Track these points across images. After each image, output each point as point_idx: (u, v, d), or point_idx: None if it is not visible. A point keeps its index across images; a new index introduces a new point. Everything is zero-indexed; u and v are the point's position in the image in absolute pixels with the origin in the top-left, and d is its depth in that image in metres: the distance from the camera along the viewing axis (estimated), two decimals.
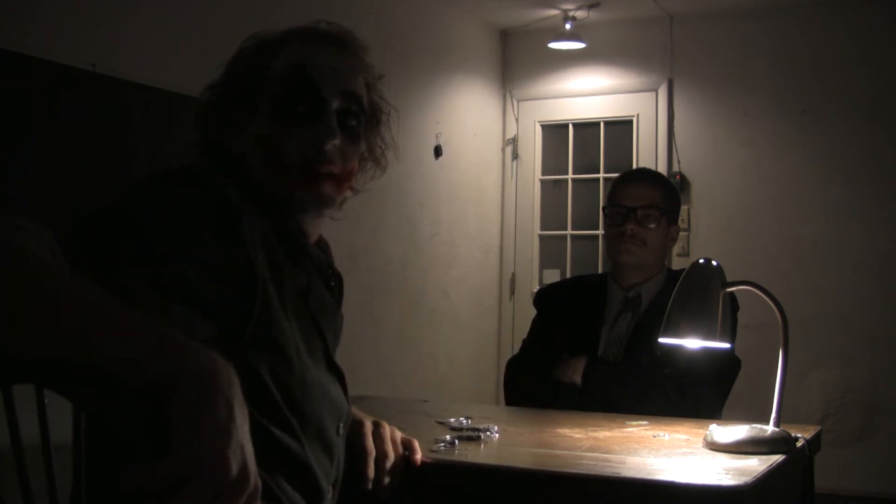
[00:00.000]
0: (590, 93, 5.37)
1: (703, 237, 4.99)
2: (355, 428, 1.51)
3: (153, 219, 1.14)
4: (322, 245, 1.47)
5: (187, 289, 1.11)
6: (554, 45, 5.16)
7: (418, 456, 1.58)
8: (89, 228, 1.12)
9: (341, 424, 1.40)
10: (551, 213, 5.47)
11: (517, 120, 5.51)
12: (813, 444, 1.96)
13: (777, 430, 1.81)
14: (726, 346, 1.96)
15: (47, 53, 2.92)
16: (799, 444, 1.84)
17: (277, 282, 1.26)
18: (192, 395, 0.92)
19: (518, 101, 5.52)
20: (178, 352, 0.95)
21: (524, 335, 2.78)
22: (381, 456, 1.52)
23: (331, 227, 1.48)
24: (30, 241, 0.99)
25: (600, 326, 2.61)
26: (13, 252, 0.95)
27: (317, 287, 1.38)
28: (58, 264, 1.01)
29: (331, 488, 1.37)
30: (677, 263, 4.53)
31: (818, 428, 2.10)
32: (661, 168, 4.99)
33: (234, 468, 0.91)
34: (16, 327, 0.91)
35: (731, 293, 1.99)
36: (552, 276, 5.30)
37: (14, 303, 0.91)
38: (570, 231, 5.40)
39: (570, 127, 5.44)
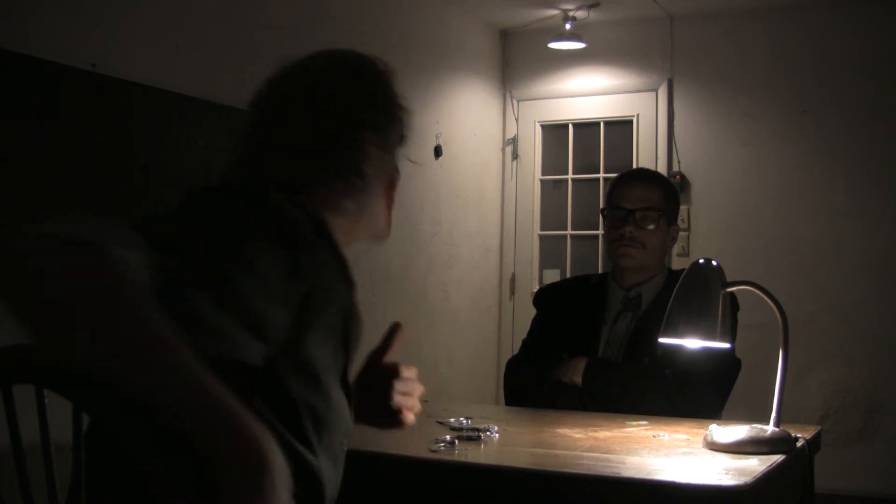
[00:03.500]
0: (590, 93, 5.37)
1: (703, 237, 4.99)
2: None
3: (227, 240, 1.16)
4: None
5: (248, 311, 1.13)
6: (554, 45, 5.16)
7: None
8: (168, 239, 1.13)
9: (346, 440, 1.41)
10: (551, 213, 5.47)
11: (517, 120, 5.51)
12: (813, 444, 1.96)
13: (777, 430, 1.81)
14: (726, 346, 1.97)
15: (47, 53, 2.92)
16: (799, 444, 1.84)
17: (326, 305, 1.28)
18: (244, 480, 0.98)
19: (518, 101, 5.51)
20: (237, 430, 0.99)
21: (524, 335, 2.78)
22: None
23: None
24: (122, 251, 1.01)
25: (600, 326, 2.61)
26: (102, 265, 0.98)
27: (356, 307, 1.39)
28: (140, 283, 1.02)
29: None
30: (677, 263, 4.53)
31: (818, 428, 2.10)
32: (661, 168, 4.98)
33: None
34: (85, 341, 0.95)
35: (731, 293, 2.00)
36: (552, 276, 5.29)
37: (94, 318, 0.95)
38: (570, 231, 5.39)
39: (570, 127, 5.44)
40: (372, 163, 1.38)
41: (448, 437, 1.78)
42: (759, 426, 1.83)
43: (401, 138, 1.42)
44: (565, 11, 5.00)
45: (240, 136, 1.43)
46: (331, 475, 1.33)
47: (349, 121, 1.37)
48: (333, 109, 1.38)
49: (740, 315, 2.47)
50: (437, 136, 4.86)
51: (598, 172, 5.33)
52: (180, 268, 1.09)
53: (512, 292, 5.46)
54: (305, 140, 1.36)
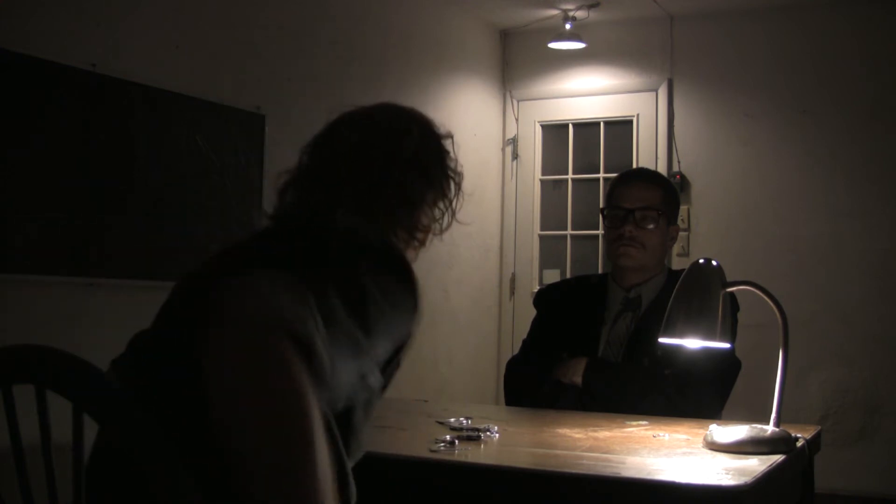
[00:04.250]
0: (590, 93, 5.37)
1: (703, 237, 4.99)
2: None
3: (374, 303, 1.26)
4: None
5: (371, 371, 1.25)
6: (554, 45, 5.16)
7: None
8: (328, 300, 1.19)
9: None
10: (551, 213, 5.47)
11: (517, 120, 5.51)
12: (813, 444, 1.96)
13: (777, 430, 1.81)
14: (726, 346, 1.96)
15: (47, 53, 2.92)
16: (799, 444, 1.84)
17: (403, 358, 1.38)
18: None
19: (518, 101, 5.51)
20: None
21: (524, 335, 2.78)
22: None
23: None
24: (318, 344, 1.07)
25: (600, 327, 2.61)
26: (287, 375, 1.03)
27: None
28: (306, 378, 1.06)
29: None
30: (677, 263, 4.53)
31: (818, 428, 2.10)
32: (661, 168, 4.99)
33: None
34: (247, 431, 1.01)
35: (731, 293, 1.99)
36: (552, 276, 5.29)
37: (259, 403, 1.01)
38: (570, 231, 5.40)
39: (570, 127, 5.44)
40: (429, 214, 1.50)
41: (448, 437, 1.78)
42: (759, 426, 1.82)
43: (455, 197, 1.53)
44: (565, 11, 5.00)
45: (304, 174, 1.46)
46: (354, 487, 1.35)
47: (420, 176, 1.46)
48: (409, 167, 1.45)
49: (740, 315, 2.47)
50: None
51: (598, 172, 5.33)
52: (338, 330, 1.16)
53: (512, 292, 5.46)
54: (384, 193, 1.43)
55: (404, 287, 1.33)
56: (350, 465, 1.30)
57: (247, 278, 1.12)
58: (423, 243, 1.51)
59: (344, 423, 1.25)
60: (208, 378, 1.04)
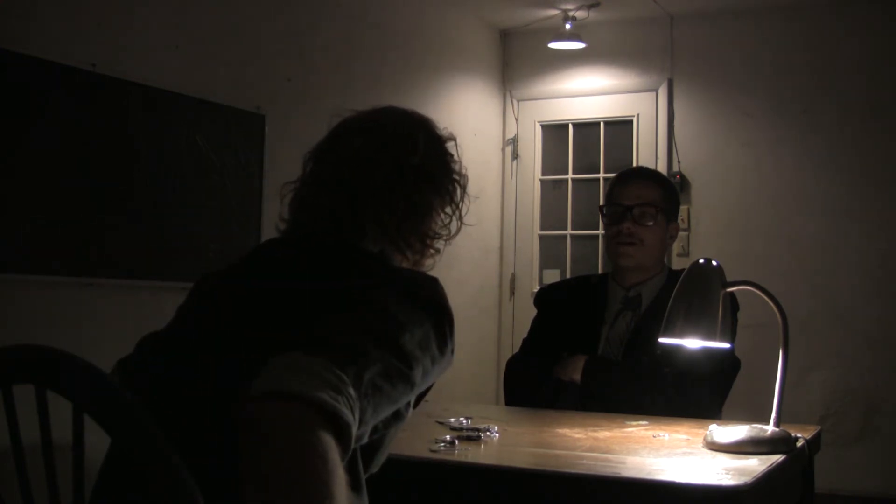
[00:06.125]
0: (590, 93, 5.37)
1: (703, 237, 4.99)
2: None
3: (401, 324, 1.19)
4: None
5: (418, 385, 1.22)
6: (554, 45, 5.16)
7: None
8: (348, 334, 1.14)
9: None
10: (551, 213, 5.47)
11: (517, 120, 5.51)
12: (813, 444, 1.96)
13: (777, 430, 1.81)
14: (726, 346, 1.96)
15: (47, 53, 2.92)
16: (799, 444, 1.84)
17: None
18: None
19: (518, 101, 5.51)
20: None
21: (524, 335, 2.78)
22: None
23: None
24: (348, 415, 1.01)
25: (600, 326, 2.61)
26: (310, 451, 0.96)
27: None
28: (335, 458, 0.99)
29: None
30: (677, 263, 4.53)
31: (818, 428, 2.10)
32: (661, 168, 4.98)
33: None
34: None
35: (731, 293, 2.00)
36: (552, 276, 5.29)
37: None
38: (570, 231, 5.40)
39: (570, 127, 5.44)
40: (438, 220, 1.48)
41: (448, 437, 1.78)
42: (759, 426, 1.83)
43: (461, 200, 1.53)
44: (565, 11, 5.00)
45: (311, 183, 1.43)
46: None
47: (427, 183, 1.45)
48: (416, 175, 1.44)
49: (740, 315, 2.47)
50: None
51: (598, 172, 5.33)
52: (363, 374, 1.10)
53: (512, 292, 5.46)
54: (394, 203, 1.40)
55: (446, 330, 1.27)
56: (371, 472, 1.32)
57: (278, 367, 1.03)
58: (438, 250, 1.49)
59: (373, 446, 1.25)
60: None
